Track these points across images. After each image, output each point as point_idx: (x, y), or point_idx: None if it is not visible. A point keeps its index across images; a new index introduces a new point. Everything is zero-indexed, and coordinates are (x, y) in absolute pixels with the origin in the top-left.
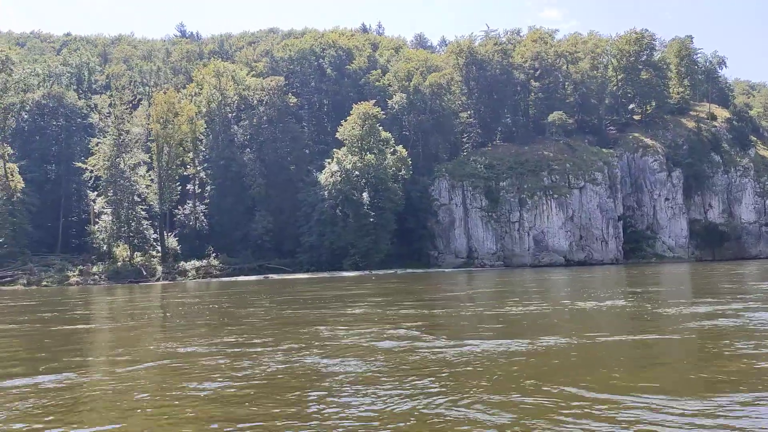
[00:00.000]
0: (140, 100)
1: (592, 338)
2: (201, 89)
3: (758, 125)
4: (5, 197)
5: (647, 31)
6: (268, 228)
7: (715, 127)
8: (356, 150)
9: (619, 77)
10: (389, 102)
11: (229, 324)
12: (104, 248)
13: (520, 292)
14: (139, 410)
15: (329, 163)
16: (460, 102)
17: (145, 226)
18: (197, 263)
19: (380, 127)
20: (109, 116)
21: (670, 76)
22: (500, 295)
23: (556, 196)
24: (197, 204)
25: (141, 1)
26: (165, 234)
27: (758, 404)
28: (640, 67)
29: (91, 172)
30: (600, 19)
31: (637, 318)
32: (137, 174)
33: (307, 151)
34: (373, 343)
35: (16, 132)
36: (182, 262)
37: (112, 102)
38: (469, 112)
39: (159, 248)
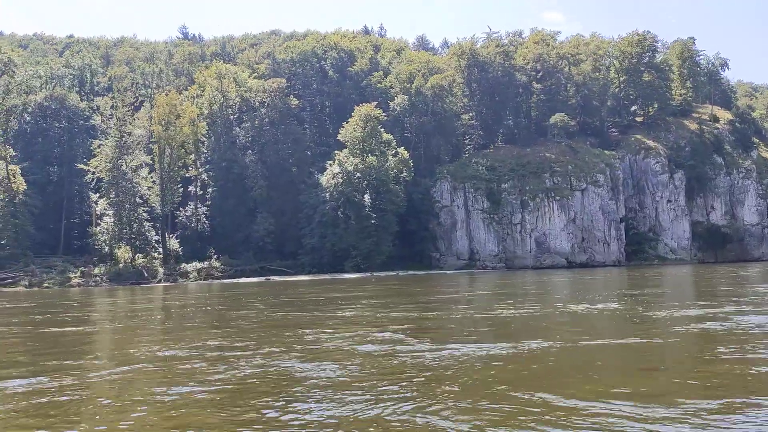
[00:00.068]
0: (142, 102)
1: (576, 342)
2: (203, 91)
3: (761, 127)
4: (7, 199)
5: (649, 32)
6: (270, 230)
7: (718, 129)
8: (358, 152)
9: (621, 79)
10: (391, 104)
11: (217, 327)
12: (106, 250)
13: (516, 295)
14: (98, 416)
15: (331, 165)
16: (461, 104)
17: (146, 228)
18: (199, 265)
19: (382, 129)
20: (111, 118)
21: (673, 77)
22: (495, 298)
23: (558, 198)
24: (199, 206)
25: (143, 3)
26: (166, 236)
27: (726, 412)
28: (642, 68)
29: (93, 173)
30: (602, 21)
31: (626, 321)
32: (139, 176)
33: (308, 152)
34: (354, 346)
35: (19, 134)
36: (184, 264)
37: (114, 104)
38: (470, 114)
39: (160, 250)
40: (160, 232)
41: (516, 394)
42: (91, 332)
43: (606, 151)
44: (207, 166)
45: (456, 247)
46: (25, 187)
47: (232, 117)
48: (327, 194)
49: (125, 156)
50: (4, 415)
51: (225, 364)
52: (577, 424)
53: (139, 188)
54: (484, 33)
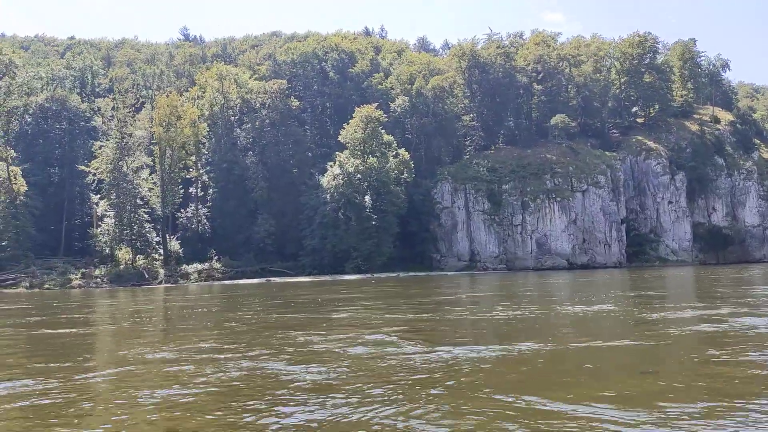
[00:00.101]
0: (143, 103)
1: (567, 344)
2: (204, 92)
3: (762, 128)
4: (8, 200)
5: (650, 34)
6: (271, 231)
7: (719, 130)
8: (358, 153)
9: (622, 80)
10: (392, 105)
11: (210, 329)
12: (107, 251)
13: (514, 296)
14: (76, 420)
15: (331, 167)
16: (462, 105)
17: (147, 229)
18: (199, 266)
19: (383, 131)
20: (112, 119)
21: (674, 79)
22: (493, 299)
23: (558, 199)
24: (200, 207)
25: (145, 4)
26: (167, 237)
27: (709, 416)
28: (643, 70)
29: (94, 175)
30: (602, 22)
31: (620, 323)
32: (140, 177)
33: (309, 154)
34: (344, 349)
35: (20, 135)
36: (184, 265)
37: (115, 105)
38: (471, 115)
39: (161, 251)
40: (160, 233)
41: (500, 397)
42: (84, 334)
43: (607, 153)
44: (208, 168)
45: (457, 249)
46: (26, 188)
47: (232, 118)
48: (328, 195)
49: (126, 157)
50: None
51: (213, 366)
52: (556, 427)
53: (140, 190)
54: (484, 34)
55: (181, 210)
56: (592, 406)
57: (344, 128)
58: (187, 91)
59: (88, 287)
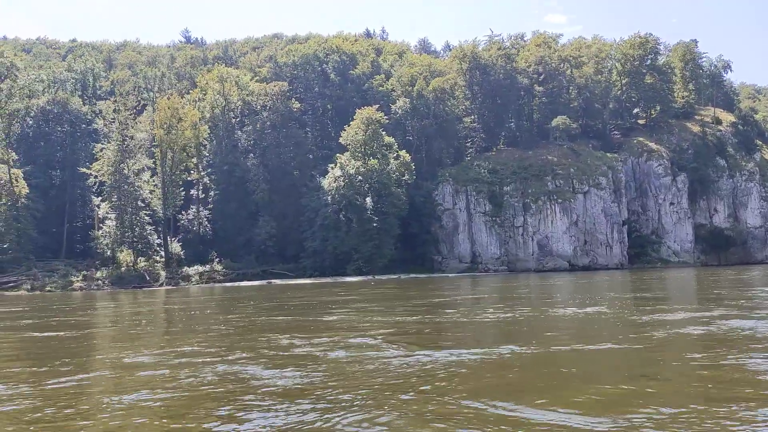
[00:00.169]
0: (144, 105)
1: (550, 347)
2: (205, 95)
3: (764, 129)
4: (10, 203)
5: (651, 35)
6: (272, 233)
7: (720, 131)
8: (359, 155)
9: (624, 81)
10: (393, 107)
11: (196, 331)
12: (108, 253)
13: (509, 298)
14: (32, 427)
15: (332, 168)
16: (463, 107)
17: (148, 232)
18: (200, 268)
19: (383, 132)
20: (113, 122)
21: (675, 80)
22: (487, 301)
23: (560, 200)
24: (201, 209)
25: (146, 7)
26: (168, 239)
27: (679, 422)
28: (645, 71)
29: (96, 177)
30: (604, 23)
31: (608, 326)
32: (141, 179)
33: (310, 156)
34: (325, 352)
35: (21, 138)
36: (186, 268)
37: (117, 108)
38: (472, 117)
39: (162, 253)
40: (162, 235)
41: (469, 403)
42: (69, 337)
43: (608, 154)
44: (209, 170)
45: (458, 250)
46: (28, 191)
47: (233, 120)
48: (329, 197)
49: (127, 160)
50: None
51: (188, 370)
52: None
53: (141, 192)
54: (485, 36)
55: (183, 212)
56: (560, 412)
57: (345, 130)
58: (188, 93)
59: (89, 289)
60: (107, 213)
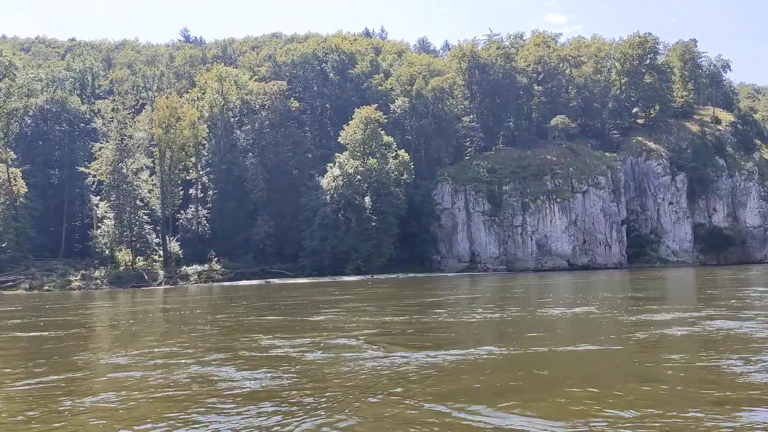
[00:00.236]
0: (143, 104)
1: (529, 349)
2: (203, 94)
3: (763, 129)
4: (8, 202)
5: (650, 34)
6: (270, 232)
7: (720, 130)
8: (358, 154)
9: (623, 81)
10: (391, 106)
11: (181, 331)
12: (106, 253)
13: (502, 298)
14: None
15: (331, 168)
16: (462, 106)
17: (147, 231)
18: (199, 268)
19: (382, 132)
20: (112, 121)
21: (674, 79)
22: (480, 301)
23: (559, 200)
24: (199, 208)
25: (146, 6)
26: (167, 238)
27: (637, 426)
28: (644, 70)
29: (94, 176)
30: (604, 23)
31: (592, 326)
32: (140, 178)
33: (309, 155)
34: (303, 353)
35: (20, 137)
36: (184, 267)
37: (115, 107)
38: (471, 116)
39: (161, 253)
40: (160, 234)
41: (433, 406)
42: (53, 338)
43: (607, 153)
44: (207, 169)
45: (457, 250)
46: (26, 190)
47: (232, 120)
48: (327, 197)
49: (126, 159)
50: None
51: (160, 372)
52: None
53: (140, 191)
54: (485, 35)
55: (181, 211)
56: (520, 416)
57: (344, 129)
58: (187, 92)
59: (87, 289)
60: (106, 212)
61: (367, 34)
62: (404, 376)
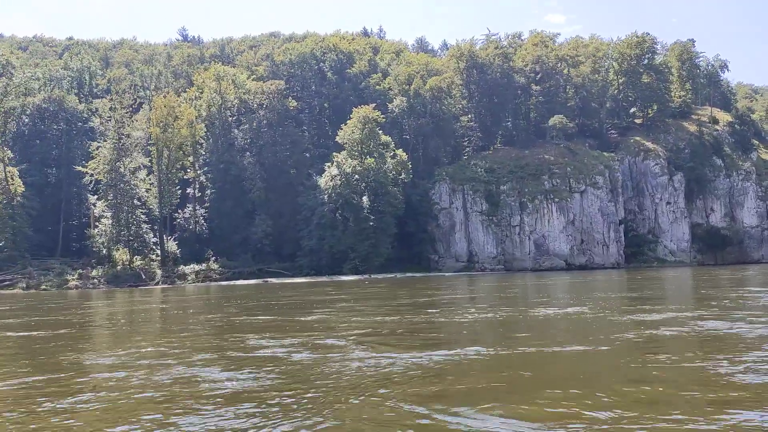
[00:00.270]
0: (141, 104)
1: (516, 349)
2: (201, 93)
3: (760, 129)
4: (5, 201)
5: (648, 34)
6: (268, 232)
7: (717, 130)
8: (356, 154)
9: (621, 81)
10: (389, 106)
11: (170, 331)
12: (104, 252)
13: (497, 298)
14: None
15: (329, 167)
16: (460, 106)
17: (144, 230)
18: (197, 267)
19: (380, 131)
20: (109, 120)
21: (672, 79)
22: (474, 301)
23: (557, 200)
24: (197, 208)
25: (144, 5)
26: (165, 238)
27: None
28: (642, 70)
29: (92, 175)
30: (603, 23)
31: (581, 326)
32: (137, 178)
33: (307, 154)
34: (290, 354)
35: (17, 136)
36: (182, 266)
37: (113, 106)
38: (469, 116)
39: (158, 252)
40: (158, 234)
41: (413, 408)
42: (41, 337)
43: (605, 153)
44: (205, 168)
45: (455, 249)
46: (23, 189)
47: (230, 119)
48: (325, 196)
49: (123, 158)
50: None
51: (143, 372)
52: None
53: (138, 190)
54: (483, 35)
55: (179, 210)
56: (499, 419)
57: (342, 129)
58: (184, 91)
59: (85, 288)
60: (103, 211)
61: (366, 33)
62: (388, 377)
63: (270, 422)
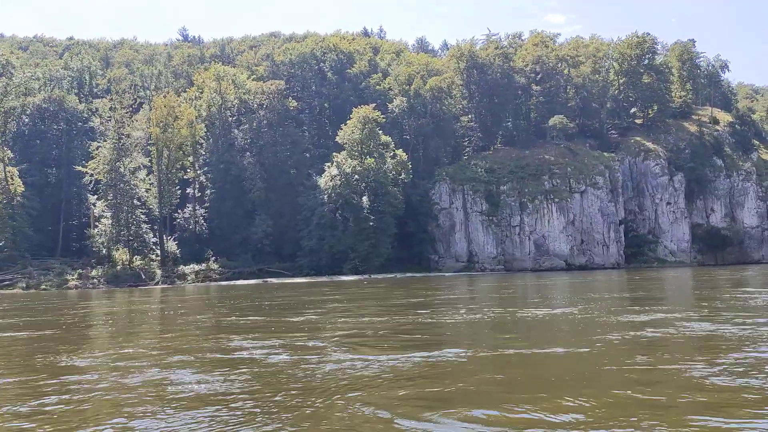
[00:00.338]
0: (141, 104)
1: (496, 351)
2: (201, 93)
3: (761, 129)
4: (5, 201)
5: (649, 34)
6: (268, 232)
7: (718, 131)
8: (356, 154)
9: (621, 81)
10: (390, 106)
11: (155, 332)
12: (104, 252)
13: (492, 298)
14: None
15: (329, 167)
16: (460, 106)
17: (144, 230)
18: (197, 267)
19: (380, 131)
20: (109, 120)
21: (672, 80)
22: (468, 301)
23: (557, 200)
24: (197, 208)
25: (144, 6)
26: (164, 238)
27: None
28: (642, 70)
29: (92, 175)
30: (604, 23)
31: (568, 327)
32: (137, 178)
33: (307, 155)
34: (268, 356)
35: (17, 136)
36: (182, 266)
37: (113, 106)
38: (469, 116)
39: (158, 252)
40: (158, 234)
41: (380, 413)
42: (26, 338)
43: (605, 153)
44: (205, 168)
45: (455, 250)
46: (23, 188)
47: (230, 119)
48: (325, 196)
49: (123, 158)
50: None
51: (116, 374)
52: None
53: (137, 190)
54: (483, 35)
55: (179, 210)
56: (464, 425)
57: (342, 129)
58: (185, 91)
59: (84, 288)
60: (103, 211)
61: (366, 33)
62: (360, 379)
63: (228, 428)
